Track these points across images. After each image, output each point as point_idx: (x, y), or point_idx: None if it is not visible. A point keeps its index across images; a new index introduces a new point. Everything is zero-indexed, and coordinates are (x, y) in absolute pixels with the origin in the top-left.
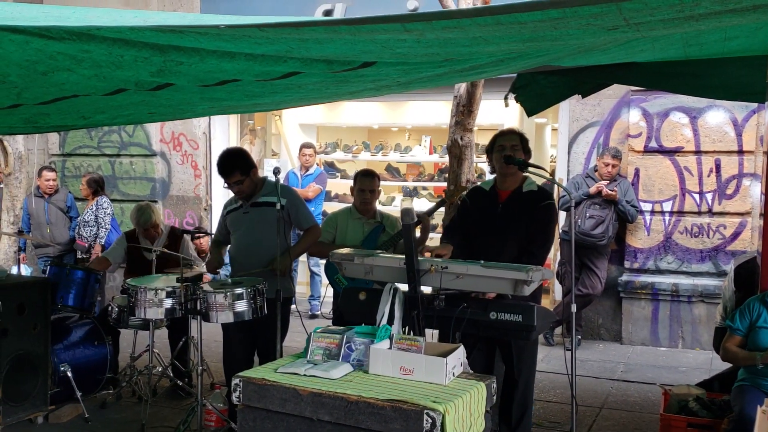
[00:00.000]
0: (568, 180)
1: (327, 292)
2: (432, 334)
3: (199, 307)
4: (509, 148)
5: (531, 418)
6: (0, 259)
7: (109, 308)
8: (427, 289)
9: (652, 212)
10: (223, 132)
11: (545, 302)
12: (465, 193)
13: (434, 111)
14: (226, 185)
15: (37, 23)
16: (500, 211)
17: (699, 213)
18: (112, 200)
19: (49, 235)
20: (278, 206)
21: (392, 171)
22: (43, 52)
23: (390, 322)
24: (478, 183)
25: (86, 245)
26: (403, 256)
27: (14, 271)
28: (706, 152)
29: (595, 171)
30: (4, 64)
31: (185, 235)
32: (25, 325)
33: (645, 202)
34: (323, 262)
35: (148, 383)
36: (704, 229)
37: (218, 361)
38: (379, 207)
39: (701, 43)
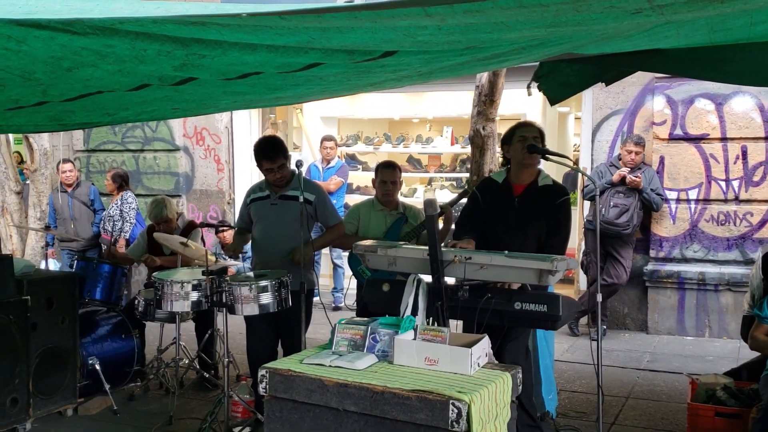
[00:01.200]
0: (591, 169)
1: (350, 283)
2: (456, 325)
3: (224, 300)
4: (531, 139)
5: (543, 404)
6: (28, 254)
7: (136, 301)
8: (450, 280)
9: (678, 200)
10: (245, 126)
11: (569, 292)
12: (476, 188)
13: (455, 101)
14: (267, 169)
15: (61, 16)
16: (517, 206)
17: (725, 201)
18: (137, 195)
19: (73, 230)
20: (300, 198)
21: (414, 162)
22: (67, 47)
23: (414, 313)
24: (489, 174)
25: (111, 239)
26: (426, 247)
27: (42, 266)
28: (732, 139)
29: (619, 159)
30: (29, 61)
31: (199, 228)
32: (53, 319)
33: (670, 190)
34: (346, 254)
35: (175, 375)
36: (731, 216)
37: (243, 353)
38: (401, 198)
39: (727, 29)
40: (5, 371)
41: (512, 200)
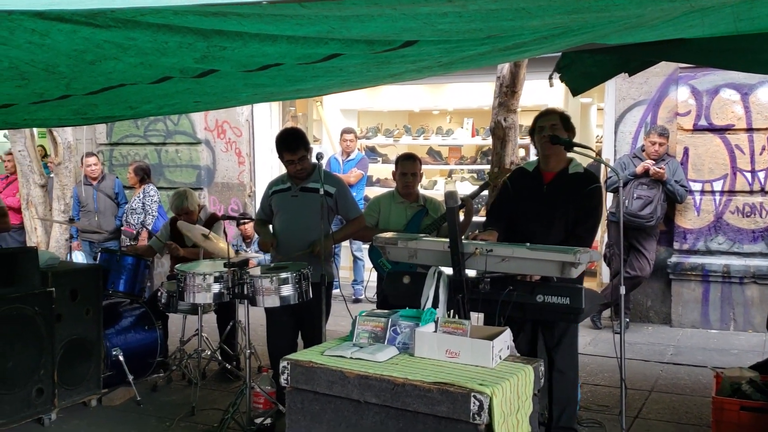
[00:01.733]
0: (614, 160)
1: (370, 276)
2: (477, 318)
3: (246, 292)
4: (549, 128)
5: (577, 401)
6: (52, 247)
7: (159, 293)
8: (471, 273)
9: (702, 192)
10: (266, 119)
11: (592, 285)
12: (507, 175)
13: (476, 93)
14: (288, 160)
15: (83, 6)
16: (545, 192)
17: (751, 192)
18: (159, 188)
19: (96, 223)
20: (321, 191)
21: (434, 154)
22: (90, 40)
23: (435, 305)
24: (521, 164)
25: (134, 232)
26: (447, 240)
27: (67, 258)
28: (758, 129)
29: (643, 151)
30: (53, 54)
31: (222, 220)
32: (78, 310)
33: (694, 181)
34: (366, 246)
35: (198, 367)
36: (756, 208)
37: (265, 345)
38: (421, 191)
39: (753, 18)
40: (31, 362)
41: (541, 188)
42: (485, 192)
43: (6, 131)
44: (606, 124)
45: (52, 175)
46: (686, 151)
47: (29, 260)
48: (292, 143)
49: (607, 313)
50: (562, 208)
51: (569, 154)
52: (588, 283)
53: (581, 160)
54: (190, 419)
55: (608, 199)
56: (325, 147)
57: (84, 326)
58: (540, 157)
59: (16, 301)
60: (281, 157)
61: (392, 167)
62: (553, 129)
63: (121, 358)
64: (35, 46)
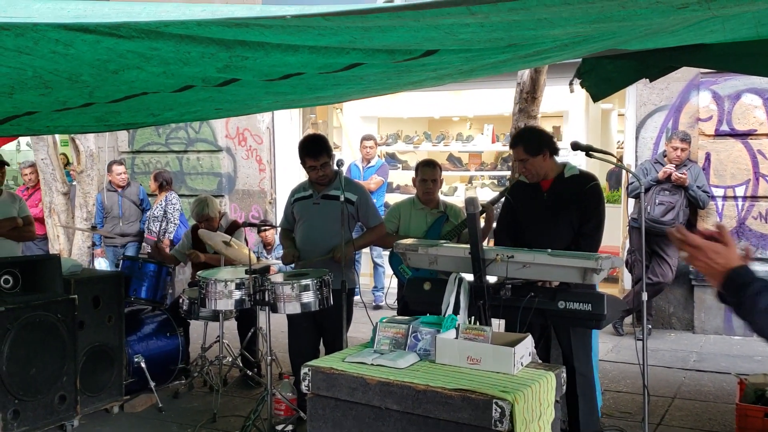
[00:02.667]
0: (635, 166)
1: (391, 283)
2: (498, 324)
3: (267, 298)
4: (518, 166)
5: (597, 408)
6: (75, 254)
7: (180, 300)
8: (492, 279)
9: (725, 197)
10: (286, 126)
11: (614, 291)
12: (507, 191)
13: (496, 99)
14: (310, 166)
15: (109, 20)
16: (546, 199)
17: None
18: (181, 195)
19: (119, 228)
20: (341, 198)
21: (454, 161)
22: (113, 50)
23: (455, 312)
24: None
25: (155, 240)
26: (468, 246)
27: (89, 265)
28: None
29: (664, 156)
30: (76, 64)
31: (242, 228)
32: (100, 317)
33: (717, 187)
34: (386, 253)
35: (219, 373)
36: None
37: (285, 352)
38: (441, 197)
39: None
40: (54, 369)
41: (541, 195)
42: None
43: (29, 140)
44: (627, 129)
45: (74, 183)
46: (708, 156)
47: (52, 268)
48: (314, 149)
49: (629, 319)
50: (565, 212)
51: (561, 159)
52: (610, 290)
53: (603, 166)
54: (212, 426)
55: (630, 204)
56: (345, 154)
57: (106, 333)
58: None
59: (39, 309)
60: (303, 163)
61: (412, 174)
62: (524, 164)
63: (143, 364)
64: (59, 55)
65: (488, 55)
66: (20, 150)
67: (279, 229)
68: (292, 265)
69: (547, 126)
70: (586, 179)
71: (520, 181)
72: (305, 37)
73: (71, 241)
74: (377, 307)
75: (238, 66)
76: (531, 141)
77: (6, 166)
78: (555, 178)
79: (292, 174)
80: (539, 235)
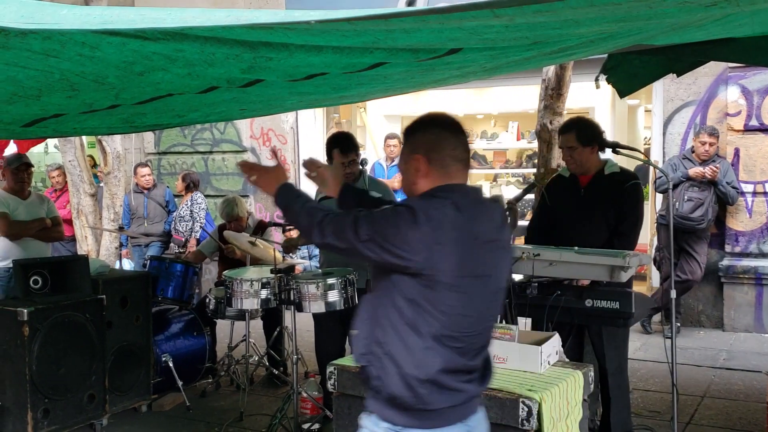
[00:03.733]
0: (663, 162)
1: None
2: (525, 323)
3: (292, 298)
4: (566, 151)
5: (629, 407)
6: (102, 255)
7: (207, 300)
8: (518, 277)
9: (754, 193)
10: (310, 126)
11: (642, 289)
12: (544, 187)
13: (521, 96)
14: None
15: (135, 26)
16: (583, 196)
17: None
18: (206, 196)
19: (144, 228)
20: None
21: (478, 159)
22: (139, 52)
23: None
24: (558, 170)
25: (182, 239)
26: None
27: (116, 266)
28: None
29: (692, 152)
30: (102, 66)
31: (270, 227)
32: (128, 317)
33: (746, 183)
34: None
35: (245, 372)
36: None
37: (311, 351)
38: None
39: None
40: (83, 368)
41: (579, 192)
42: (531, 195)
43: (56, 142)
44: (654, 125)
45: (101, 185)
46: (737, 152)
47: (80, 268)
48: (344, 145)
49: (657, 317)
50: (602, 209)
51: (604, 156)
52: (637, 288)
53: (630, 163)
54: (239, 424)
55: (658, 201)
56: (369, 153)
57: (134, 333)
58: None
59: (67, 309)
60: (330, 159)
61: None
62: (571, 152)
63: (170, 364)
64: (85, 58)
65: (513, 52)
66: (48, 152)
67: None
68: (317, 264)
69: None
70: (626, 177)
71: (559, 174)
72: (329, 38)
73: (99, 242)
74: None
75: (263, 67)
76: (585, 130)
77: (31, 168)
78: (595, 174)
79: None
80: (573, 232)
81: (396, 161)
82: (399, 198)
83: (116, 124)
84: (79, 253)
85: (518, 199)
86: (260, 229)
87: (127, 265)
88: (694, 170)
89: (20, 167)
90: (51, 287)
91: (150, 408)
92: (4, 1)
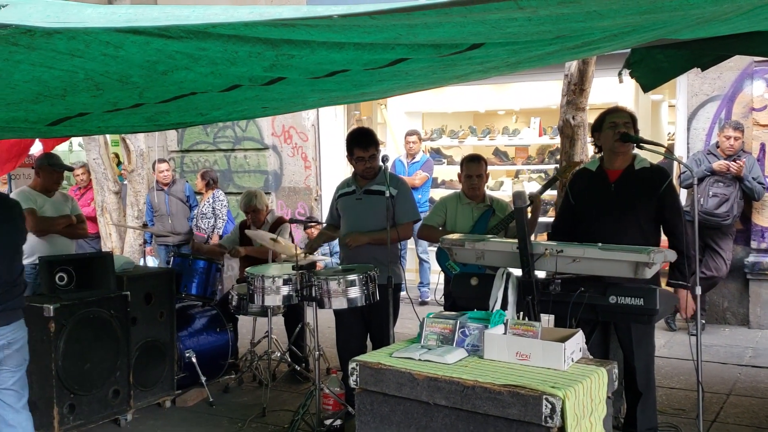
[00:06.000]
0: (687, 158)
1: (439, 279)
2: (548, 320)
3: (314, 294)
4: (622, 125)
5: (655, 404)
6: (126, 252)
7: (230, 296)
8: (541, 274)
9: None
10: (331, 123)
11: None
12: (567, 182)
13: (543, 91)
14: (358, 157)
15: (158, 23)
16: (614, 191)
17: None
18: (228, 193)
19: (170, 226)
20: (387, 194)
21: (500, 155)
22: (162, 51)
23: (503, 307)
24: (584, 164)
25: (205, 236)
26: (515, 241)
27: (140, 263)
28: None
29: (717, 147)
30: (126, 66)
31: (287, 223)
32: (152, 313)
33: None
34: (432, 249)
35: (268, 368)
36: None
37: (332, 347)
38: (487, 191)
39: None
40: (107, 364)
41: (608, 187)
42: (553, 191)
43: (81, 140)
44: (678, 120)
45: (125, 182)
46: (763, 147)
47: (105, 265)
48: (364, 140)
49: None
50: (633, 204)
51: (633, 151)
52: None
53: (653, 158)
54: (261, 420)
55: (682, 197)
56: (390, 150)
57: (158, 329)
58: (607, 155)
59: (93, 305)
60: (351, 154)
61: (457, 169)
62: (626, 127)
63: (194, 359)
64: (109, 58)
65: (535, 47)
66: (72, 150)
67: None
68: (338, 261)
69: (595, 118)
70: (658, 175)
71: (585, 168)
72: (351, 35)
73: (123, 239)
74: (423, 303)
75: (285, 64)
76: (635, 123)
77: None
78: (625, 169)
79: (337, 171)
80: (606, 229)
81: (417, 158)
82: (420, 195)
83: (140, 123)
84: (103, 250)
85: (540, 192)
86: (278, 225)
87: (151, 262)
88: (719, 163)
89: (61, 169)
90: (76, 284)
91: (174, 403)
92: (30, 1)
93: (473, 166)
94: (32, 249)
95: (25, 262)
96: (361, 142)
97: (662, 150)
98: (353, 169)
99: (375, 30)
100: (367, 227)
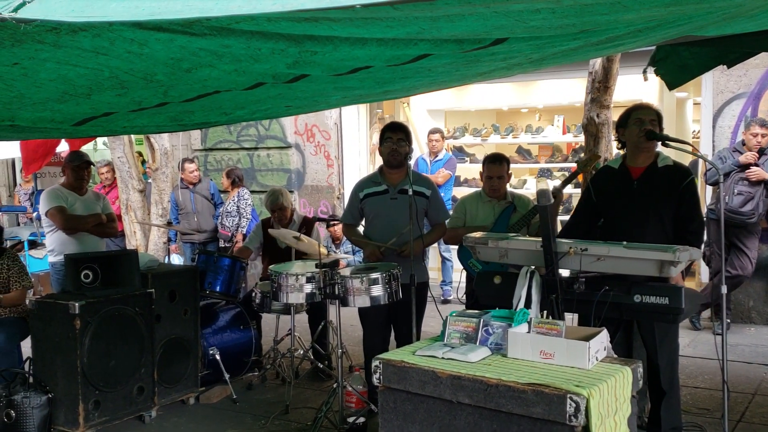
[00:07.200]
0: (712, 156)
1: (462, 277)
2: (572, 319)
3: (337, 292)
4: (648, 122)
5: (679, 403)
6: (151, 249)
7: (253, 294)
8: (565, 272)
9: None
10: (354, 122)
11: (691, 284)
12: (590, 180)
13: (567, 89)
14: (387, 137)
15: (182, 16)
16: (636, 189)
17: None
18: (252, 191)
19: (195, 223)
20: (410, 191)
21: (523, 153)
22: (186, 49)
23: (527, 305)
24: (607, 162)
25: (229, 234)
26: (539, 239)
27: (165, 260)
28: None
29: (743, 145)
30: (151, 64)
31: (317, 222)
32: (176, 311)
33: None
34: (455, 247)
35: (291, 366)
36: None
37: (355, 345)
38: (510, 189)
39: None
40: (132, 361)
41: (631, 184)
42: (577, 189)
43: (105, 139)
44: (703, 118)
45: (150, 181)
46: None
47: (130, 262)
48: (397, 126)
49: (706, 313)
50: (656, 201)
51: (656, 149)
52: (687, 283)
53: (678, 156)
54: (285, 417)
55: (707, 195)
56: (413, 148)
57: (182, 326)
58: (630, 151)
59: (117, 302)
60: (382, 140)
61: (480, 167)
62: (652, 125)
63: (217, 357)
64: (134, 55)
65: (559, 42)
66: (97, 149)
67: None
68: (360, 259)
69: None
70: (681, 173)
71: (607, 165)
72: (373, 30)
73: (147, 237)
74: (446, 302)
75: (308, 61)
76: (661, 121)
77: (91, 166)
78: (648, 166)
79: (359, 169)
80: (629, 227)
81: (439, 156)
82: (443, 193)
83: (164, 123)
84: (128, 248)
85: (562, 187)
86: (305, 225)
87: (176, 260)
88: (746, 156)
89: (81, 165)
90: (101, 281)
91: (198, 400)
92: None
93: (494, 168)
94: (62, 247)
95: (53, 259)
96: (394, 127)
97: (688, 148)
98: (380, 162)
99: (397, 24)
100: (403, 227)
